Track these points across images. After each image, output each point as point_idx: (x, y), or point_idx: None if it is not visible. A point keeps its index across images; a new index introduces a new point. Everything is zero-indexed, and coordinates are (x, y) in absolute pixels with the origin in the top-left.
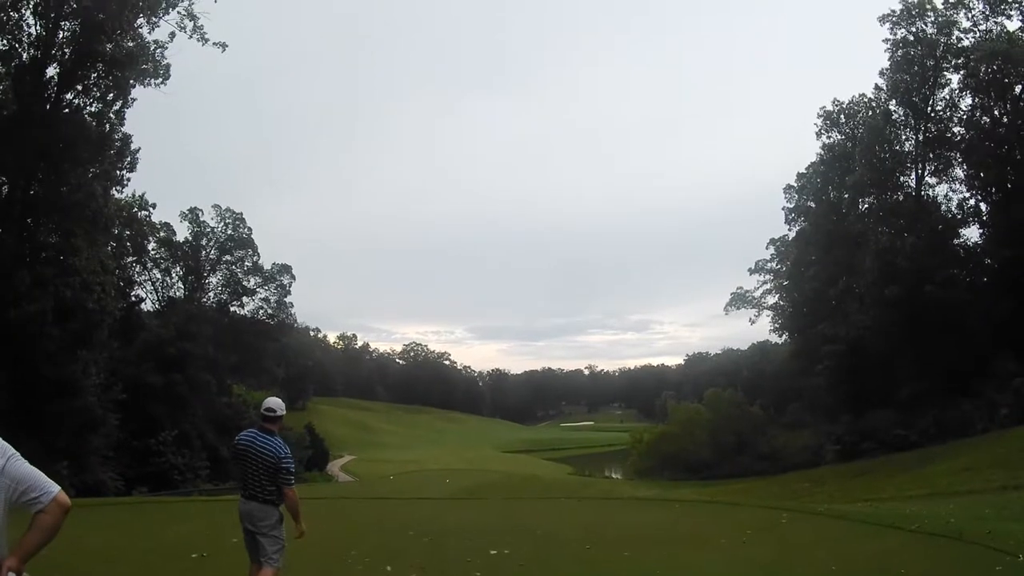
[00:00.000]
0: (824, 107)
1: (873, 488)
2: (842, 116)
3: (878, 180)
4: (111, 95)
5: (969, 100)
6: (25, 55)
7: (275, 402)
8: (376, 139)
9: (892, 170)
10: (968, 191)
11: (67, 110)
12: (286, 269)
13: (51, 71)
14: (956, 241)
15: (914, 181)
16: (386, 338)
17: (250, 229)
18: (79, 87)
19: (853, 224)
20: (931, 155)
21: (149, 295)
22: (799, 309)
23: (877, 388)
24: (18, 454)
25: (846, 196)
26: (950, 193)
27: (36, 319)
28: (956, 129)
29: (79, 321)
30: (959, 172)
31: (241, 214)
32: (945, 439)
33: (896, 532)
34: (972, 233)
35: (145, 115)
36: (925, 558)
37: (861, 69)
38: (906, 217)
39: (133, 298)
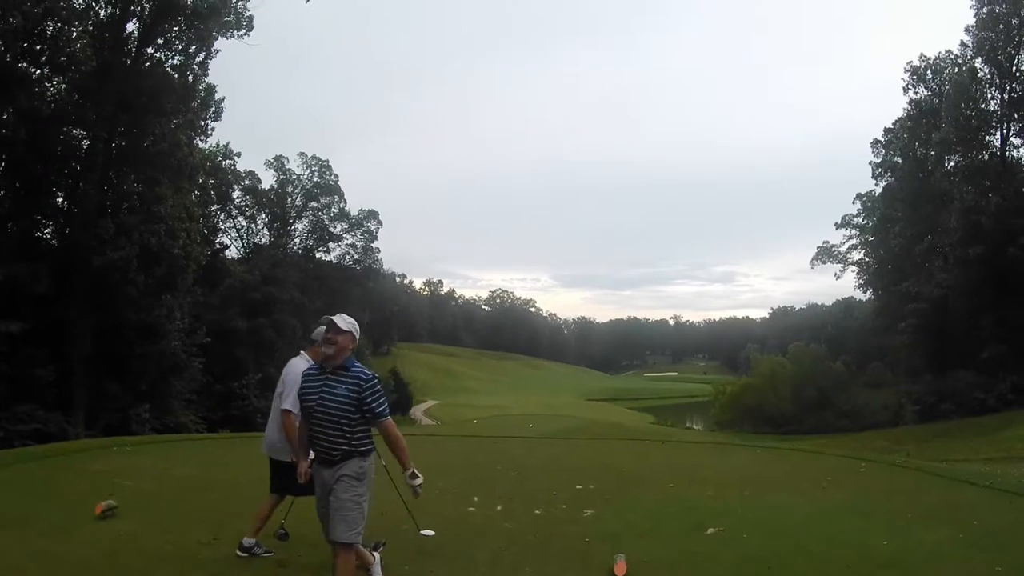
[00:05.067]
0: (911, 62)
1: (949, 449)
2: (928, 72)
3: (964, 138)
4: (193, 47)
5: None
6: (103, 12)
7: None
8: (462, 91)
9: (978, 128)
10: None
11: (148, 64)
12: (373, 215)
13: (131, 26)
14: None
15: (999, 141)
16: (472, 285)
17: (336, 176)
18: (160, 41)
19: (939, 182)
20: (1016, 115)
21: (234, 242)
22: (884, 266)
23: (959, 349)
24: None
25: (932, 153)
26: None
27: (120, 266)
28: None
29: (164, 267)
30: None
31: (327, 161)
32: (1023, 405)
33: (970, 487)
34: None
35: (230, 66)
36: (998, 512)
37: (949, 23)
38: (991, 177)
39: (218, 245)
